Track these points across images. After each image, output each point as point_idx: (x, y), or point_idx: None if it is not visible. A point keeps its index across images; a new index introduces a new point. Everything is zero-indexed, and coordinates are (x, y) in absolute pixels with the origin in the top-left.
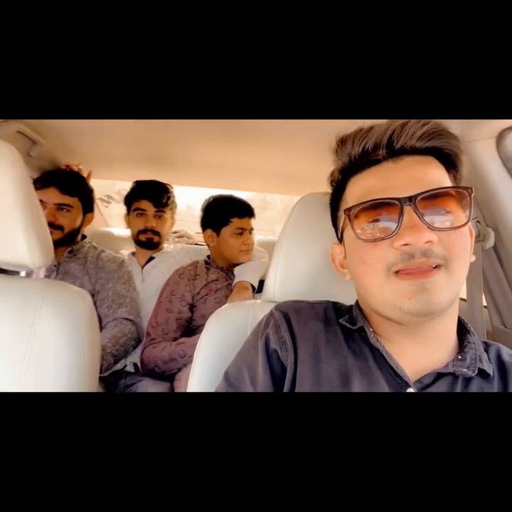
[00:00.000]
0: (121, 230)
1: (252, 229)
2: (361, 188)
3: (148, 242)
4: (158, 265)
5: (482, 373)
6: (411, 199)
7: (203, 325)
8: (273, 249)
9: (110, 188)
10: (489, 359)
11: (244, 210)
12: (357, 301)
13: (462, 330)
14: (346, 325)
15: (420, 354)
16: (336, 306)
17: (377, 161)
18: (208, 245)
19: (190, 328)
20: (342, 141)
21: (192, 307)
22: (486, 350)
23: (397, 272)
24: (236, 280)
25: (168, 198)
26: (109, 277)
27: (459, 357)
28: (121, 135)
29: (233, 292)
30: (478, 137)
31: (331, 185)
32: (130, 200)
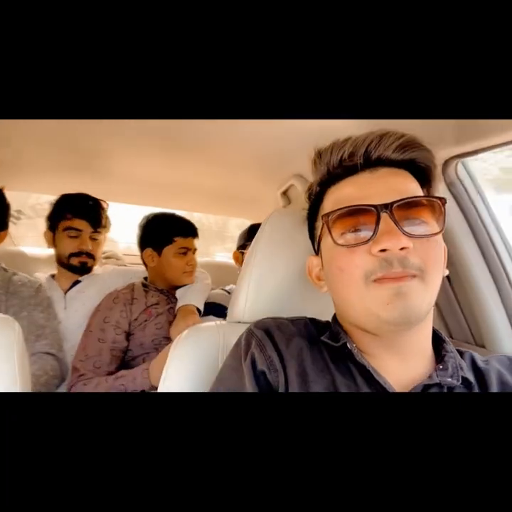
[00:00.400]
0: (35, 249)
1: (195, 249)
2: (338, 196)
3: (81, 266)
4: (86, 290)
5: (464, 381)
6: (387, 206)
7: (141, 355)
8: (214, 271)
9: (23, 202)
10: (490, 364)
11: (188, 229)
12: (335, 316)
13: (437, 340)
14: (329, 342)
15: (402, 368)
16: (315, 322)
17: (354, 172)
18: (146, 265)
19: (126, 360)
20: (320, 153)
21: (128, 335)
22: (486, 361)
23: (375, 280)
24: (180, 304)
25: (106, 217)
26: (23, 304)
27: (441, 367)
28: (38, 138)
29: (178, 317)
30: None
31: (309, 198)
32: (58, 216)
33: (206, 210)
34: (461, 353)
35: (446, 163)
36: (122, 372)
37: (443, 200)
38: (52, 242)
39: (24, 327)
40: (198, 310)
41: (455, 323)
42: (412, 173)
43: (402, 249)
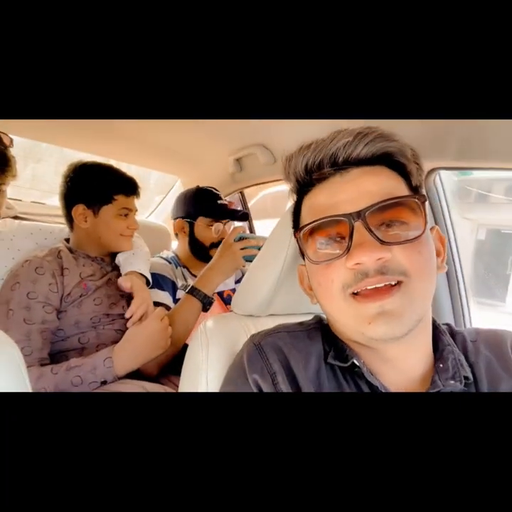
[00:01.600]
0: None
1: (136, 210)
2: (311, 206)
3: None
4: None
5: (465, 378)
6: (359, 214)
7: (76, 335)
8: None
9: None
10: (480, 353)
11: (131, 186)
12: (330, 328)
13: (434, 330)
14: (338, 364)
15: (405, 379)
16: (324, 325)
17: (324, 177)
18: (71, 225)
19: (55, 340)
20: (287, 160)
21: (59, 313)
22: (475, 341)
23: (354, 295)
24: (127, 269)
25: (11, 158)
26: None
27: (441, 365)
28: None
29: (133, 279)
30: None
31: (292, 211)
32: None
33: (131, 160)
34: (453, 336)
35: (429, 172)
36: (74, 360)
37: (421, 199)
38: None
39: None
40: (147, 281)
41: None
42: (389, 167)
43: (379, 259)
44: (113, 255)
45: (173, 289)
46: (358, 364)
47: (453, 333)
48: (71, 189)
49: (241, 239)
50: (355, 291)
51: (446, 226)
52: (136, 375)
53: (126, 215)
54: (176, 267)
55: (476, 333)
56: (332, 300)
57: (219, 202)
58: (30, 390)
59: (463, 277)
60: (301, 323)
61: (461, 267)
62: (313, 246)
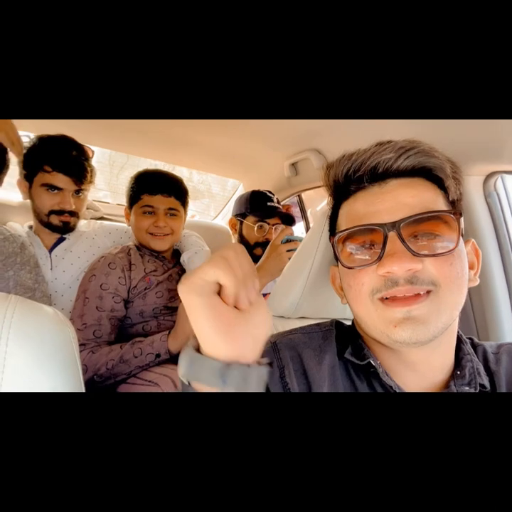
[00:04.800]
0: (5, 193)
1: (171, 209)
2: (349, 213)
3: (63, 226)
4: (73, 248)
5: (480, 386)
6: (395, 225)
7: (141, 323)
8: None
9: None
10: (501, 363)
11: (159, 185)
12: (354, 326)
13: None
14: (354, 361)
15: (424, 382)
16: (340, 327)
17: (363, 186)
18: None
19: (123, 327)
20: (328, 168)
21: (126, 303)
22: (497, 353)
23: (383, 299)
24: (191, 268)
25: (91, 170)
26: (7, 262)
27: (458, 372)
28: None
29: None
30: (470, 172)
31: (330, 216)
32: (34, 167)
33: (198, 167)
34: (475, 347)
35: (489, 175)
36: (139, 338)
37: (457, 214)
38: (29, 194)
39: (10, 288)
40: None
41: (464, 321)
42: (428, 179)
43: (409, 270)
44: (175, 253)
45: None
46: (373, 364)
47: (474, 345)
48: (128, 195)
49: (288, 241)
50: (385, 297)
51: (508, 232)
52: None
53: (150, 213)
54: None
55: (497, 346)
56: (361, 302)
57: (268, 203)
58: (80, 370)
59: None
60: (317, 324)
61: None
62: (347, 251)
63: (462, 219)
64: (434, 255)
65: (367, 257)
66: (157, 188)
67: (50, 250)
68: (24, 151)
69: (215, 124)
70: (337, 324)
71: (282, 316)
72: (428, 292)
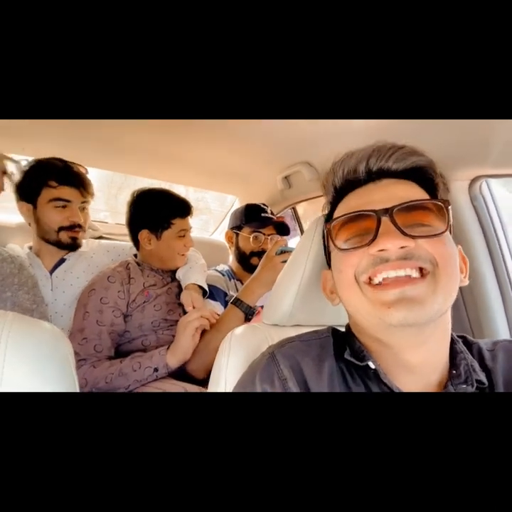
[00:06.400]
0: (5, 215)
1: (190, 228)
2: (343, 206)
3: (72, 242)
4: (73, 269)
5: (477, 382)
6: (388, 211)
7: (140, 337)
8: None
9: None
10: (497, 360)
11: (185, 208)
12: (349, 328)
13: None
14: (353, 361)
15: (420, 383)
16: (336, 334)
17: (358, 185)
18: (138, 246)
19: (122, 342)
20: (331, 167)
21: (125, 317)
22: (492, 350)
23: (373, 285)
24: (187, 282)
25: (88, 182)
26: (5, 283)
27: (454, 372)
28: None
29: (191, 293)
30: (455, 177)
31: (325, 218)
32: (37, 185)
33: (195, 184)
34: (469, 345)
35: (474, 179)
36: (138, 353)
37: (446, 203)
38: (33, 216)
39: (8, 309)
40: (204, 291)
41: (457, 322)
42: (417, 184)
43: (402, 248)
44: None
45: (224, 299)
46: (373, 365)
47: (468, 343)
48: (134, 216)
49: (282, 252)
50: (375, 280)
51: (496, 234)
52: (185, 377)
53: (183, 236)
54: (230, 280)
55: (493, 344)
56: (351, 287)
57: (263, 214)
58: (77, 385)
59: None
60: (315, 332)
61: None
62: (341, 237)
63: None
64: (426, 237)
65: (358, 243)
66: (186, 211)
67: (51, 272)
68: (20, 175)
69: (207, 139)
70: (333, 331)
71: (277, 325)
72: (423, 274)
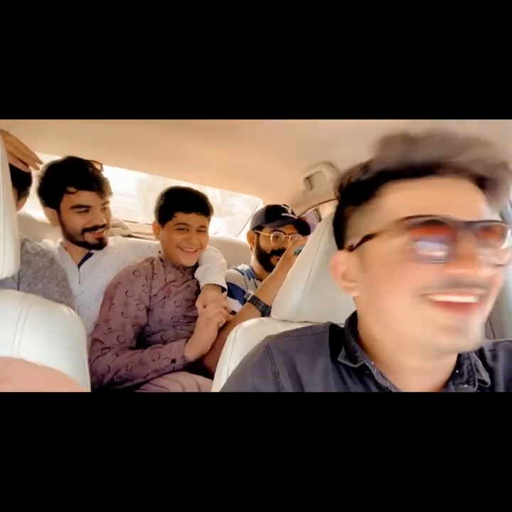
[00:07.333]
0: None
1: (202, 227)
2: (412, 198)
3: (99, 242)
4: (99, 263)
5: (480, 382)
6: (471, 225)
7: (159, 332)
8: (221, 249)
9: None
10: (498, 360)
11: (191, 204)
12: (349, 324)
13: None
14: (347, 364)
15: (425, 382)
16: (335, 330)
17: (420, 174)
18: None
19: (143, 336)
20: (388, 142)
21: (147, 311)
22: (494, 350)
23: (436, 301)
24: (204, 282)
25: (104, 181)
26: (37, 276)
27: (457, 372)
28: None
29: (206, 294)
30: None
31: (345, 185)
32: (57, 191)
33: (219, 185)
34: (495, 345)
35: None
36: (158, 345)
37: None
38: (58, 221)
39: None
40: (222, 289)
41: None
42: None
43: (480, 275)
44: (194, 265)
45: (242, 297)
46: (368, 365)
47: (495, 342)
48: (154, 209)
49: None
50: (437, 298)
51: None
52: (202, 372)
53: (184, 230)
54: (249, 279)
55: (493, 344)
56: (402, 296)
57: (283, 214)
58: (87, 366)
59: None
60: (310, 327)
61: None
62: (411, 238)
63: None
64: (501, 265)
65: (431, 251)
66: (191, 207)
67: (79, 265)
68: (38, 181)
69: (230, 141)
70: (331, 327)
71: (285, 320)
72: (479, 301)
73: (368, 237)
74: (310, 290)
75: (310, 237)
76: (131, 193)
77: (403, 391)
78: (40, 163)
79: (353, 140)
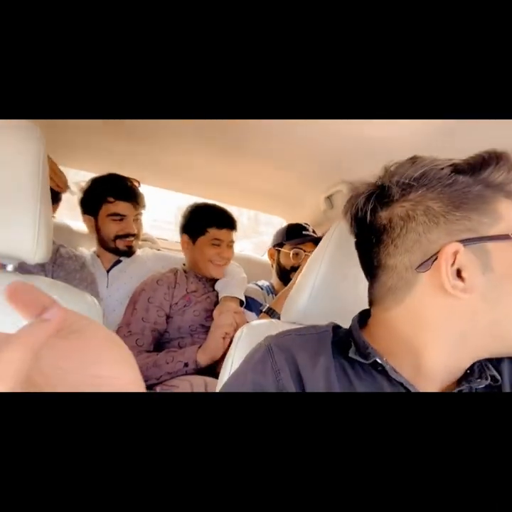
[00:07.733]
0: (79, 223)
1: (231, 241)
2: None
3: (128, 249)
4: (127, 270)
5: (492, 379)
6: None
7: (177, 339)
8: (243, 265)
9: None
10: (503, 360)
11: (223, 220)
12: (357, 324)
13: None
14: (358, 359)
15: (436, 384)
16: (337, 331)
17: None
18: (183, 252)
19: (161, 342)
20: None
21: (167, 318)
22: None
23: None
24: (223, 294)
25: (140, 194)
26: (68, 278)
27: (468, 371)
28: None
29: (223, 305)
30: None
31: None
32: (98, 201)
33: (245, 205)
34: None
35: None
36: (173, 348)
37: None
38: (95, 227)
39: None
40: (241, 302)
41: None
42: None
43: None
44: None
45: (259, 310)
46: (380, 362)
47: None
48: (181, 223)
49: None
50: None
51: None
52: (214, 376)
53: (217, 245)
54: (268, 294)
55: None
56: None
57: (303, 232)
58: None
59: None
60: (313, 327)
61: None
62: None
63: None
64: None
65: None
66: (223, 223)
67: (108, 271)
68: (81, 193)
69: (252, 161)
70: (334, 327)
71: (293, 322)
72: None
73: (492, 238)
74: (317, 293)
75: (319, 243)
76: (170, 220)
77: (417, 387)
78: (67, 188)
79: (371, 159)
